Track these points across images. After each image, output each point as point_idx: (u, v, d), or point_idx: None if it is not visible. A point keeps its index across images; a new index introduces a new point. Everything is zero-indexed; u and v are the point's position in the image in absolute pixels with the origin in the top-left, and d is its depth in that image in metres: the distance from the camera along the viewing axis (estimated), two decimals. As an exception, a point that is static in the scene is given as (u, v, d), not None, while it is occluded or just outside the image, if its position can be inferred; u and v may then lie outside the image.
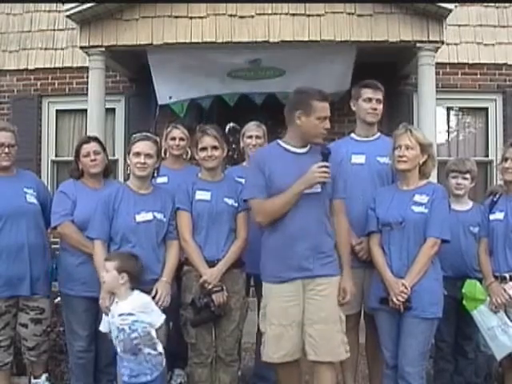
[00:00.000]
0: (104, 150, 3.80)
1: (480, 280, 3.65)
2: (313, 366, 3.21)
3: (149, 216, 3.36)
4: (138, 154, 3.36)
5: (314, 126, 3.10)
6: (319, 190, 3.09)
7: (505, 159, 3.53)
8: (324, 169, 3.02)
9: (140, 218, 3.34)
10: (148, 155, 3.37)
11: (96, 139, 3.83)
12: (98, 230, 3.35)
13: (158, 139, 3.61)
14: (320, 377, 3.14)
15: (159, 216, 3.38)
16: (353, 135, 3.76)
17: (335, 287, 3.13)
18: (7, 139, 3.65)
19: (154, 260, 3.36)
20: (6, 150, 3.64)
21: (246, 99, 5.83)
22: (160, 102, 5.86)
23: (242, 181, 3.75)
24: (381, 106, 3.66)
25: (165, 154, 4.18)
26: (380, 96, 3.64)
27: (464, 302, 3.55)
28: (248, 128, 4.10)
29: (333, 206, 3.20)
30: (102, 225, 3.34)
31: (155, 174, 3.54)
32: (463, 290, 3.55)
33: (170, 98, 5.83)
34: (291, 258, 3.10)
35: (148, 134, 3.52)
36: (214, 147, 3.48)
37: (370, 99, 3.62)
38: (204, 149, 3.48)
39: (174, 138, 4.10)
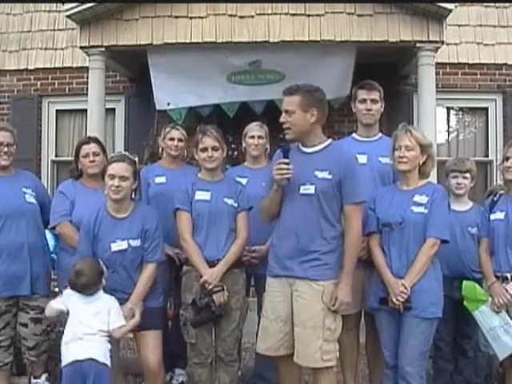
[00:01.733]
0: (104, 151, 3.80)
1: (477, 280, 3.66)
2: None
3: (124, 245, 3.28)
4: (112, 177, 3.24)
5: None
6: (311, 191, 3.03)
7: (506, 158, 3.54)
8: (280, 166, 3.00)
9: (115, 246, 3.28)
10: (122, 177, 3.25)
11: (96, 140, 3.83)
12: (82, 255, 3.31)
13: (137, 159, 3.45)
14: (317, 379, 3.12)
15: (134, 243, 3.29)
16: (354, 135, 3.74)
17: (322, 292, 3.01)
18: (6, 138, 3.67)
19: (129, 284, 3.30)
20: (5, 149, 3.66)
21: (246, 108, 5.74)
22: (158, 108, 5.77)
23: (243, 181, 3.76)
24: (377, 106, 3.63)
25: (161, 153, 4.18)
26: (375, 96, 3.61)
27: (465, 303, 3.55)
28: (250, 128, 4.08)
29: (344, 212, 3.09)
30: (86, 249, 3.30)
31: (133, 196, 3.41)
32: (463, 293, 3.55)
33: (169, 104, 5.72)
34: (278, 256, 3.13)
35: (125, 154, 3.43)
36: (215, 148, 3.48)
37: (364, 100, 3.61)
38: (204, 149, 3.48)
39: (172, 139, 4.07)
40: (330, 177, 3.01)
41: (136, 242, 3.30)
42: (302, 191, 3.03)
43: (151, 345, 3.33)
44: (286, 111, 3.05)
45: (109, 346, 3.13)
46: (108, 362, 3.10)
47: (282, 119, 3.07)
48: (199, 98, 5.73)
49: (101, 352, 3.08)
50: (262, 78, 5.64)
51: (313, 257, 3.04)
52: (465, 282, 3.57)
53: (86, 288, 3.15)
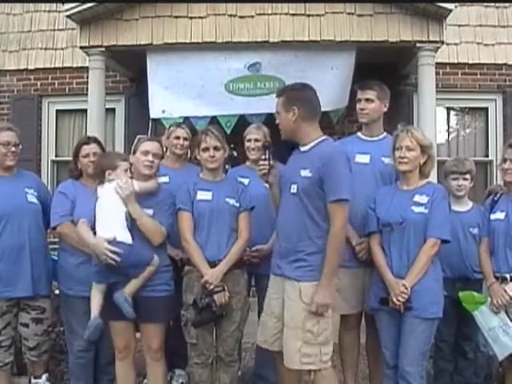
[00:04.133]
0: (103, 151, 3.81)
1: (478, 280, 3.66)
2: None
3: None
4: (146, 153, 3.41)
5: None
6: (295, 190, 3.01)
7: (504, 160, 3.54)
8: (260, 162, 3.12)
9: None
10: (156, 155, 3.43)
11: (96, 140, 3.83)
12: None
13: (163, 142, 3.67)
14: (316, 379, 3.11)
15: (149, 212, 3.38)
16: (359, 134, 3.72)
17: (302, 293, 2.96)
18: (13, 138, 3.71)
19: None
20: (13, 148, 3.69)
21: (244, 121, 5.47)
22: (152, 116, 5.61)
23: (244, 181, 3.76)
24: (371, 106, 3.58)
25: (164, 152, 4.18)
26: (369, 95, 3.57)
27: (464, 304, 3.55)
28: (248, 131, 4.08)
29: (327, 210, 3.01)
30: None
31: (157, 174, 3.53)
32: (462, 302, 3.55)
33: (163, 111, 5.57)
34: (274, 254, 3.20)
35: (154, 137, 3.62)
36: (216, 148, 3.48)
37: (359, 100, 3.61)
38: (206, 149, 3.48)
39: (178, 137, 4.06)
40: (310, 175, 2.97)
41: (149, 211, 3.37)
42: (291, 190, 3.04)
43: (154, 330, 3.38)
44: (277, 113, 3.12)
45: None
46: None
47: (276, 121, 3.14)
48: (195, 108, 5.56)
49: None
50: (262, 87, 5.46)
51: (299, 257, 3.01)
52: (461, 294, 3.57)
53: None
